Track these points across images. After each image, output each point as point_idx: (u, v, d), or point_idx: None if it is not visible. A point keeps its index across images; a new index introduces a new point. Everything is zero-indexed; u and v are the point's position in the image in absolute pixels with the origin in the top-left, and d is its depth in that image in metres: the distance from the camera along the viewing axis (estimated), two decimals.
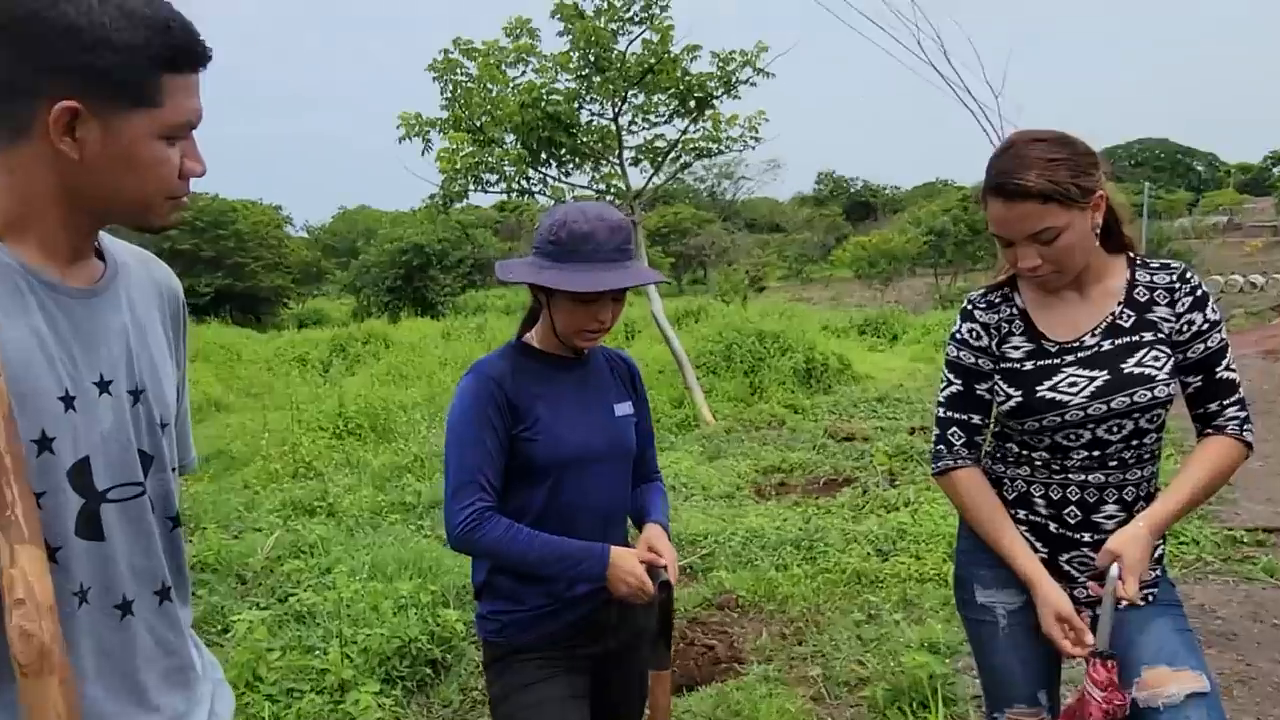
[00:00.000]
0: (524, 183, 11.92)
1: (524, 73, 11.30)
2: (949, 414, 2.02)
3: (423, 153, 11.54)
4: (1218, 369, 1.91)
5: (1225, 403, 1.91)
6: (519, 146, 11.38)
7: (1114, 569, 1.79)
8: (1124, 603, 1.88)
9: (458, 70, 11.19)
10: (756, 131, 11.89)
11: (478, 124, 11.22)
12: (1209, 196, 76.98)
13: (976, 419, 2.01)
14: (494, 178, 11.95)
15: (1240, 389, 1.93)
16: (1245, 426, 1.91)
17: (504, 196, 12.44)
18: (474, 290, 38.21)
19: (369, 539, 5.77)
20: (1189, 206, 72.55)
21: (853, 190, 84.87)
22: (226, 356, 19.30)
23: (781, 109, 12.25)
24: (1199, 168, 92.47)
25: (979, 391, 2.00)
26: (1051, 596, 1.86)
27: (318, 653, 3.77)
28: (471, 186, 12.07)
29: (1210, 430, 1.94)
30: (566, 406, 2.02)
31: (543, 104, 11.00)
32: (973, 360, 2.00)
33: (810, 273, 58.09)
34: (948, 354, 2.05)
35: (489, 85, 11.12)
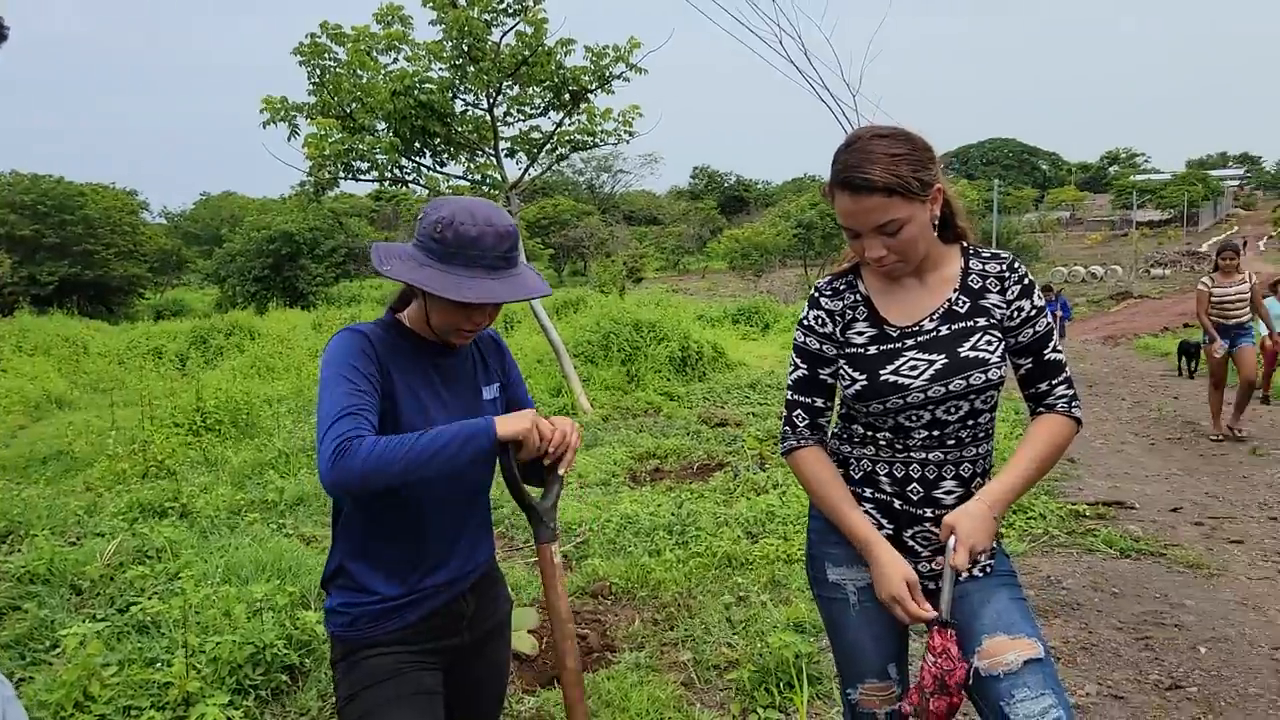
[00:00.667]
0: (397, 171, 11.61)
1: (396, 60, 11.02)
2: (795, 397, 2.08)
3: (289, 138, 11.11)
4: (1045, 351, 2.01)
5: (1054, 382, 2.01)
6: (391, 135, 11.06)
7: (951, 541, 1.86)
8: (963, 575, 1.95)
9: (326, 55, 10.80)
10: (631, 126, 11.93)
11: (347, 110, 10.86)
12: (1053, 193, 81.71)
13: (820, 402, 2.07)
14: (365, 166, 11.59)
15: (1067, 369, 2.04)
16: (1074, 403, 2.01)
17: (377, 185, 12.09)
18: (348, 280, 37.09)
19: (224, 540, 5.48)
20: (1035, 202, 76.73)
21: (726, 185, 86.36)
22: (71, 350, 18.10)
23: (657, 105, 12.31)
24: (1044, 166, 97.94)
25: (822, 376, 2.05)
26: (891, 565, 1.91)
27: (160, 665, 3.54)
28: (342, 174, 11.70)
29: (1042, 409, 2.03)
30: (428, 393, 1.94)
31: (415, 92, 10.75)
32: (818, 346, 2.05)
33: (686, 264, 58.85)
34: (795, 340, 2.10)
35: (359, 71, 10.77)
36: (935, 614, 1.86)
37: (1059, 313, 13.64)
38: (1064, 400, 2.01)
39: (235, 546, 5.23)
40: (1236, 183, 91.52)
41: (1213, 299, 8.88)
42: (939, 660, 1.83)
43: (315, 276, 34.46)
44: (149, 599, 4.24)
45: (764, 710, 3.50)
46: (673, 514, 6.07)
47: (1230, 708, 3.49)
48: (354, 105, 10.72)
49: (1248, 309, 8.85)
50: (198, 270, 46.32)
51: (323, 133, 10.92)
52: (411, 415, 1.89)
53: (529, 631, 4.12)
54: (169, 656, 3.58)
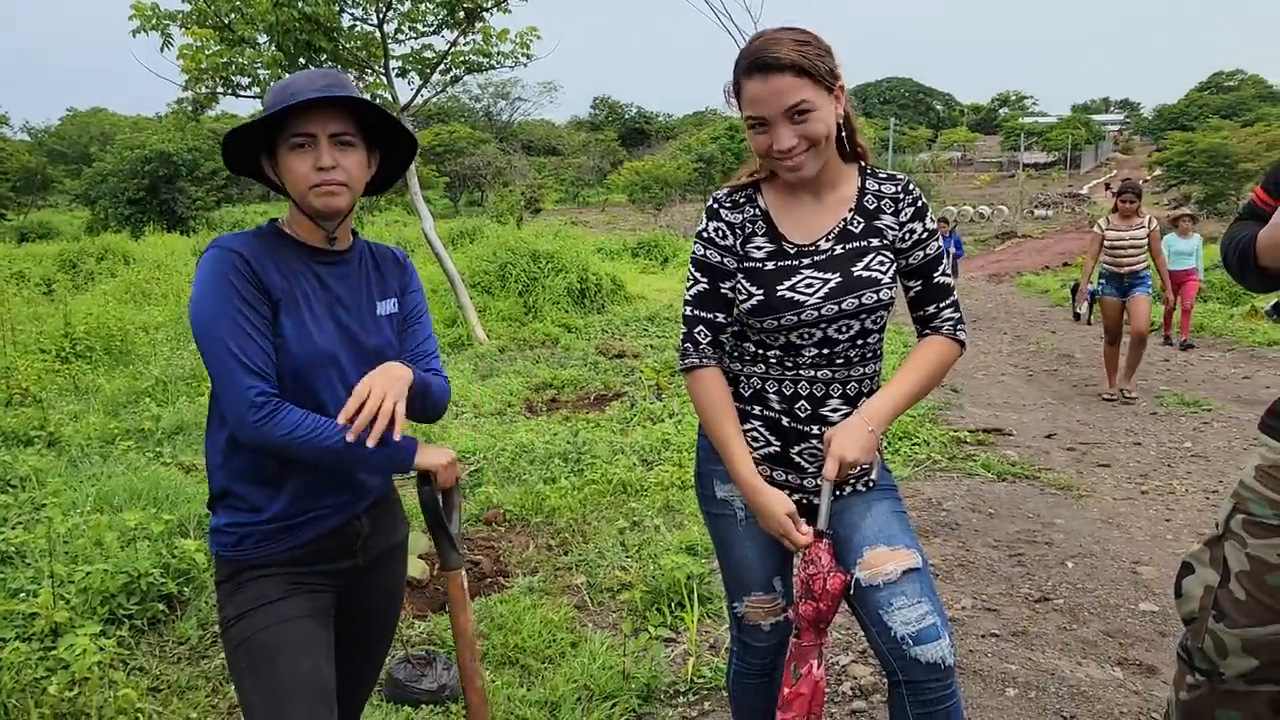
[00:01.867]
0: None
1: None
2: (695, 312, 2.03)
3: (162, 49, 10.46)
4: (934, 275, 2.02)
5: (941, 305, 2.03)
6: (274, 49, 10.49)
7: (829, 459, 1.88)
8: (847, 490, 2.00)
9: None
10: (529, 48, 11.62)
11: (225, 21, 10.24)
12: (946, 134, 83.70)
13: (721, 317, 2.02)
14: (247, 81, 11.03)
15: (954, 293, 2.06)
16: (959, 327, 2.03)
17: (259, 103, 11.49)
18: (231, 205, 35.49)
19: (95, 469, 5.22)
20: (929, 142, 78.50)
21: (627, 117, 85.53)
22: None
23: (557, 29, 12.00)
24: (938, 107, 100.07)
25: (723, 290, 2.01)
26: (772, 501, 1.93)
27: (26, 596, 3.37)
28: (221, 89, 11.10)
29: (928, 331, 2.06)
30: (319, 303, 1.81)
31: (299, 3, 10.16)
32: (718, 259, 2.00)
33: (586, 196, 58.28)
34: (694, 253, 2.04)
35: None
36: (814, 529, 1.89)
37: (953, 250, 13.65)
38: (950, 323, 2.02)
39: (108, 475, 5.00)
40: (1117, 127, 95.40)
41: (1106, 243, 8.01)
42: (806, 567, 1.88)
43: (195, 200, 32.82)
44: (12, 529, 4.02)
45: (655, 629, 3.54)
46: (568, 443, 6.06)
47: (1093, 617, 3.70)
48: (233, 15, 10.14)
49: (1144, 256, 7.95)
50: (65, 191, 43.61)
51: (199, 44, 10.34)
52: (303, 328, 1.77)
53: (420, 556, 4.06)
54: (34, 587, 3.40)
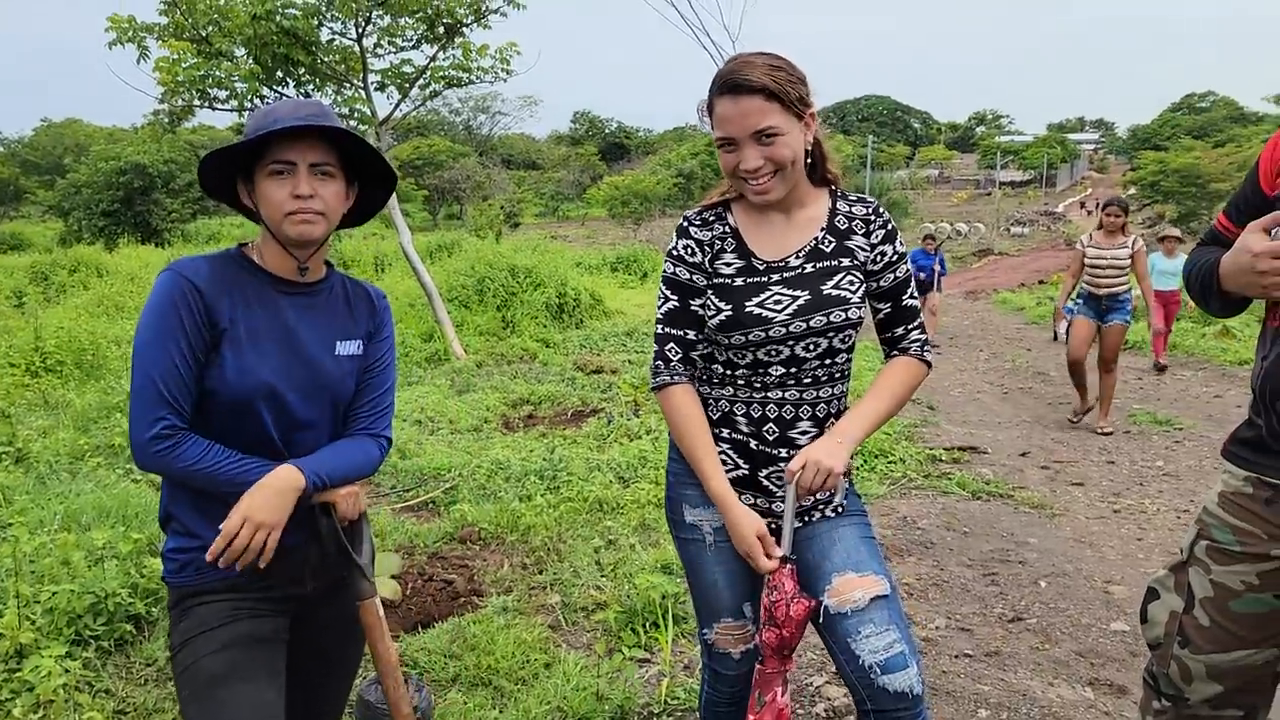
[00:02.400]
0: (258, 102, 10.97)
1: None
2: (666, 330, 2.04)
3: (138, 61, 10.37)
4: (903, 298, 2.05)
5: (909, 327, 2.06)
6: (251, 62, 10.44)
7: (794, 480, 1.87)
8: (816, 515, 2.01)
9: None
10: (508, 64, 11.62)
11: (203, 34, 10.18)
12: (924, 151, 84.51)
13: (692, 334, 2.03)
14: (224, 94, 10.95)
15: (920, 316, 2.10)
16: (925, 348, 2.07)
17: (237, 116, 11.44)
18: (206, 217, 35.19)
19: (64, 486, 5.15)
20: (907, 160, 79.19)
21: (608, 131, 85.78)
22: None
23: (536, 44, 12.02)
24: (915, 125, 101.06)
25: (693, 307, 2.02)
26: (744, 519, 1.92)
27: None
28: (198, 102, 11.02)
29: (896, 352, 2.09)
30: (269, 335, 1.79)
31: (278, 17, 10.12)
32: (688, 276, 2.02)
33: (566, 211, 58.34)
34: (665, 271, 2.06)
35: None
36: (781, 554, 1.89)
37: (937, 267, 13.50)
38: (917, 344, 2.06)
39: (76, 493, 4.93)
40: (1092, 147, 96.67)
41: (1087, 261, 7.43)
42: (770, 593, 1.87)
43: (170, 212, 32.56)
44: None
45: (629, 649, 3.52)
46: (545, 459, 6.03)
47: (1065, 637, 3.71)
48: (210, 28, 10.07)
49: (1126, 278, 7.37)
50: (38, 202, 43.19)
51: (176, 56, 10.27)
52: (249, 358, 1.76)
53: (391, 577, 4.03)
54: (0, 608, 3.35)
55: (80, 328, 10.04)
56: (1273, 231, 1.67)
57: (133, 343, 1.75)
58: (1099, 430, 7.43)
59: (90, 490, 4.95)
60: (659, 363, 2.04)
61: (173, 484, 1.82)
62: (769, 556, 1.88)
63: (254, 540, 1.70)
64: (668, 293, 2.03)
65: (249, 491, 1.72)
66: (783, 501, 2.00)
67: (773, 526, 1.98)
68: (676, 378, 2.02)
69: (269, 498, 1.72)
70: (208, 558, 1.71)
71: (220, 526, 1.71)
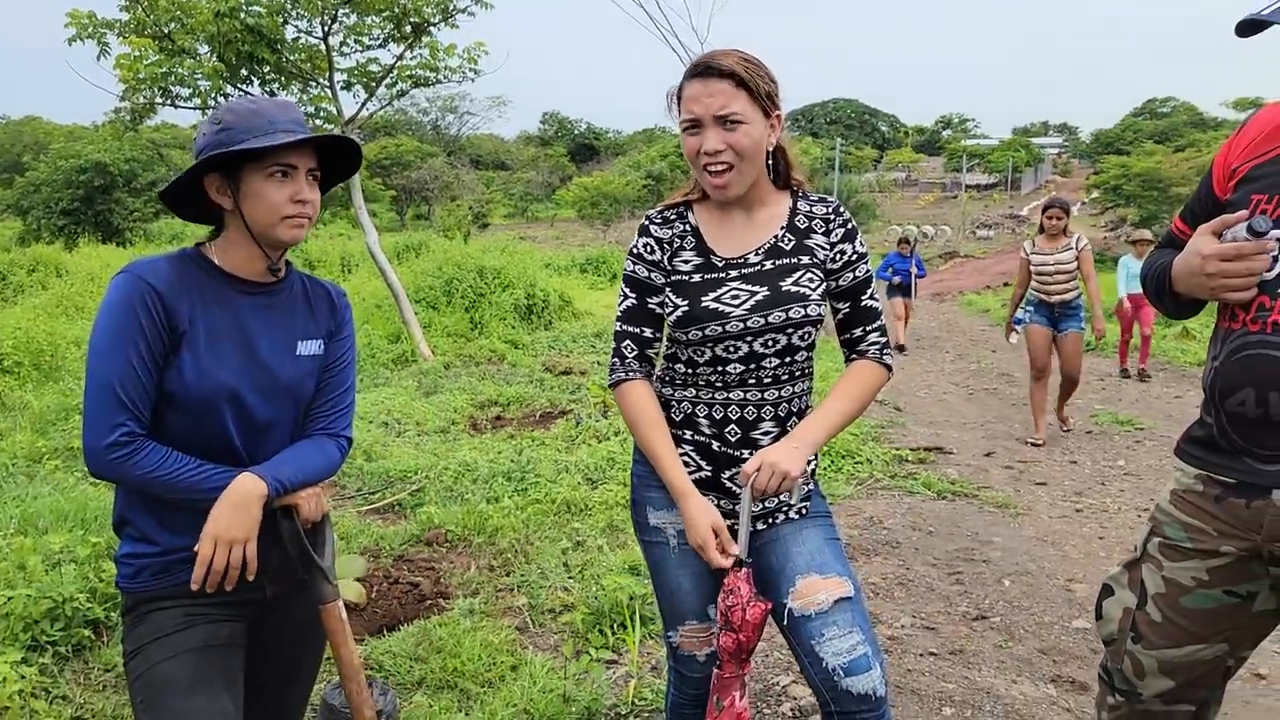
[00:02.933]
0: (221, 100, 10.85)
1: None
2: (624, 328, 2.05)
3: (98, 58, 10.21)
4: (862, 298, 2.05)
5: (868, 329, 2.05)
6: (215, 60, 10.32)
7: (749, 483, 1.86)
8: (780, 517, 2.02)
9: None
10: (476, 64, 11.59)
11: (165, 31, 10.04)
12: (891, 154, 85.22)
13: (648, 332, 2.04)
14: (187, 92, 10.81)
15: (881, 318, 2.08)
16: (885, 351, 2.05)
17: (199, 114, 11.29)
18: (170, 216, 34.69)
19: (20, 490, 5.06)
20: (874, 163, 79.84)
21: (577, 132, 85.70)
22: None
23: (505, 44, 11.98)
24: (883, 128, 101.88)
25: (650, 305, 2.03)
26: (700, 510, 1.91)
27: None
28: (160, 100, 10.87)
29: (855, 355, 2.08)
30: (229, 337, 1.77)
31: (242, 15, 10.01)
32: (646, 274, 2.03)
33: (535, 211, 58.21)
34: (625, 269, 2.07)
35: None
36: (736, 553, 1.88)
37: (914, 270, 13.41)
38: (876, 347, 2.04)
39: (33, 496, 4.84)
40: (1056, 151, 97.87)
41: (1032, 268, 7.11)
42: (726, 597, 1.86)
43: (132, 211, 32.02)
44: None
45: (596, 651, 3.52)
46: (513, 461, 6.01)
47: (1028, 635, 3.75)
48: (173, 25, 9.94)
49: (1075, 283, 7.04)
50: None
51: (137, 54, 10.12)
52: (208, 359, 1.73)
53: (356, 580, 3.99)
54: None
55: (38, 328, 9.86)
56: (1222, 234, 1.70)
57: (88, 347, 1.71)
58: (1062, 424, 7.60)
59: (48, 493, 4.86)
60: (615, 360, 2.05)
61: (128, 489, 1.79)
62: (724, 553, 1.87)
63: (231, 558, 1.69)
64: (627, 290, 2.05)
65: (213, 510, 1.69)
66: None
67: (734, 527, 1.98)
68: (631, 374, 2.02)
69: (234, 512, 1.69)
70: (193, 586, 1.69)
71: (194, 549, 1.69)
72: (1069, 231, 7.07)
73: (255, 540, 1.72)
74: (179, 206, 1.85)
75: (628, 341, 2.04)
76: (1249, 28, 1.71)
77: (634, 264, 2.04)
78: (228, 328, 1.78)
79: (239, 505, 1.70)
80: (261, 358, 1.81)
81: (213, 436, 1.76)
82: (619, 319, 2.06)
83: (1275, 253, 1.66)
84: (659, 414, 2.01)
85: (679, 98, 1.95)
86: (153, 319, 1.68)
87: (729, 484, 2.01)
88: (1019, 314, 7.47)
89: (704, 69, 1.89)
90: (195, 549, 1.69)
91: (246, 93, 10.93)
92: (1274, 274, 1.67)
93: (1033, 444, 7.15)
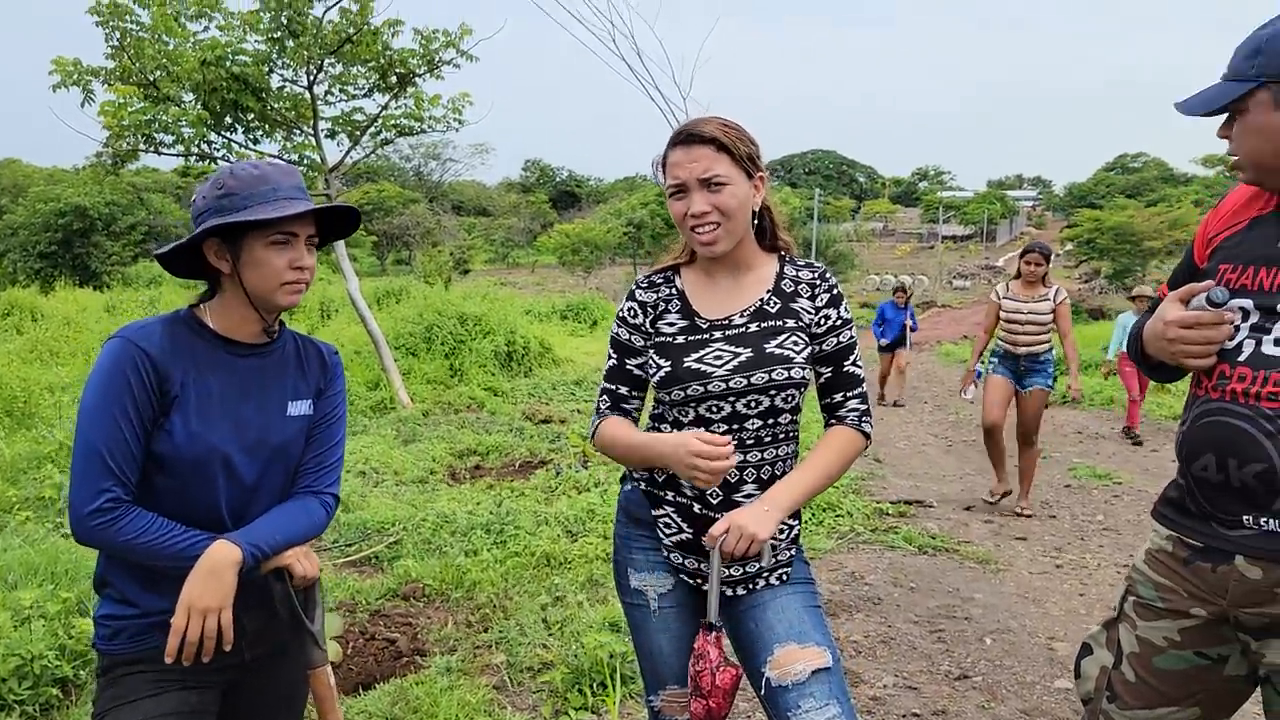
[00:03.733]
0: (205, 146, 10.89)
1: (206, 28, 10.32)
2: (605, 385, 2.12)
3: (83, 104, 10.22)
4: (845, 363, 2.06)
5: (848, 394, 2.06)
6: (199, 107, 10.36)
7: (718, 546, 1.86)
8: (760, 583, 2.00)
9: (127, 17, 9.98)
10: (461, 114, 11.69)
11: (150, 78, 10.09)
12: (869, 205, 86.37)
13: (624, 389, 2.10)
14: (170, 139, 10.82)
15: (863, 385, 2.10)
16: (864, 419, 2.06)
17: (182, 160, 11.31)
18: (148, 260, 34.53)
19: None
20: (852, 213, 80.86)
21: (559, 179, 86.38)
22: None
23: (489, 93, 12.10)
24: (860, 179, 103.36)
25: (629, 366, 2.08)
26: (672, 441, 1.88)
27: None
28: (143, 146, 10.88)
29: (834, 421, 2.09)
30: (220, 399, 1.77)
31: (228, 64, 10.08)
32: (627, 336, 2.08)
33: (516, 258, 58.39)
34: (611, 331, 2.13)
35: (164, 37, 10.02)
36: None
37: (908, 321, 13.18)
38: (855, 414, 2.05)
39: (3, 548, 4.74)
40: (1030, 203, 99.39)
41: (1003, 314, 6.55)
42: (695, 663, 1.86)
43: (110, 255, 31.92)
44: None
45: (576, 711, 3.47)
46: (491, 513, 5.96)
47: (1010, 695, 3.74)
48: (158, 73, 9.98)
49: (1047, 336, 6.48)
50: None
51: (122, 101, 10.15)
52: (199, 423, 1.74)
53: (333, 637, 3.92)
54: None
55: (11, 374, 9.74)
56: (1190, 302, 1.75)
57: (78, 410, 1.71)
58: (1018, 511, 6.60)
59: (18, 546, 4.77)
60: (595, 417, 2.12)
61: (111, 554, 1.77)
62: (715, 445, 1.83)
63: (206, 627, 1.67)
64: (611, 352, 2.12)
65: (188, 579, 1.68)
66: (725, 567, 1.99)
67: (704, 588, 1.97)
68: (605, 416, 2.09)
69: (206, 581, 1.68)
70: (167, 659, 1.67)
71: (171, 622, 1.67)
72: (1048, 281, 6.54)
73: (230, 609, 1.70)
74: (173, 266, 1.86)
75: (605, 398, 2.10)
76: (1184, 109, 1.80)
77: (618, 326, 2.09)
78: (220, 391, 1.78)
79: (211, 573, 1.68)
80: (253, 420, 1.82)
81: (199, 499, 1.76)
82: (603, 380, 2.12)
83: (1236, 322, 1.72)
84: (634, 427, 2.08)
85: (664, 165, 2.00)
86: (143, 383, 1.69)
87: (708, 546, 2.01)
88: (980, 367, 7.00)
89: (686, 137, 1.95)
90: (171, 622, 1.67)
91: (230, 140, 10.97)
92: (1234, 343, 1.72)
93: (989, 501, 6.85)
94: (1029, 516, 6.54)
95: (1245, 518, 1.68)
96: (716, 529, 1.85)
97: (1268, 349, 1.68)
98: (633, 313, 2.07)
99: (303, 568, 1.83)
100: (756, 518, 1.85)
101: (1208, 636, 1.79)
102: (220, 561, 1.69)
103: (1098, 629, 2.04)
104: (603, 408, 2.10)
